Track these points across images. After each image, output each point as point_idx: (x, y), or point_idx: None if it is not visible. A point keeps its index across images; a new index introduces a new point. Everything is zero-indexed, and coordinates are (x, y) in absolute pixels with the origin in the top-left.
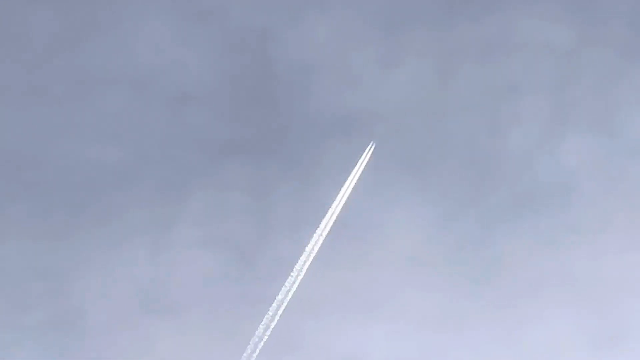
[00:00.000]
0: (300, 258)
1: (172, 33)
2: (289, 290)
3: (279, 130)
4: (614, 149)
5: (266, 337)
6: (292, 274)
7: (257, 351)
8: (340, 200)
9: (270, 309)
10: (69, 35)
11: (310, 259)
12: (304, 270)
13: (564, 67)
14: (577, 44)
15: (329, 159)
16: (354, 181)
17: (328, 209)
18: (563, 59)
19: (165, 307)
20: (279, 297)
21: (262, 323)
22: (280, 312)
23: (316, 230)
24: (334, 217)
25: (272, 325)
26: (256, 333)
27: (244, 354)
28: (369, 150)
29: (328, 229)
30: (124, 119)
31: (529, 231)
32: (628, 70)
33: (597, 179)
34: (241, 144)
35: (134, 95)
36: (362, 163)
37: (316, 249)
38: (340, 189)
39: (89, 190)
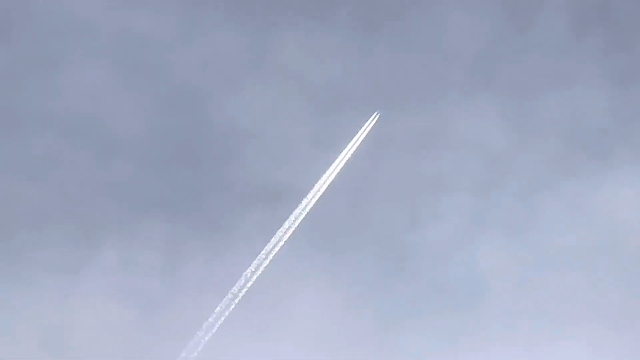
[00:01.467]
0: (209, 319)
1: (111, 83)
2: (192, 350)
3: (201, 192)
4: (529, 256)
5: None
6: (198, 333)
7: None
8: (254, 270)
9: None
10: (7, 73)
11: (218, 323)
12: (209, 334)
13: (492, 170)
14: (507, 149)
15: (247, 228)
16: (272, 252)
17: (241, 277)
18: (492, 161)
19: (66, 352)
20: (183, 354)
21: None
22: None
23: (227, 296)
24: (247, 285)
25: None
26: None
27: None
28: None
29: (239, 296)
30: (50, 161)
31: (434, 326)
32: (554, 181)
33: (508, 284)
34: (162, 200)
35: (64, 139)
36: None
37: (224, 315)
38: (255, 258)
39: (4, 225)
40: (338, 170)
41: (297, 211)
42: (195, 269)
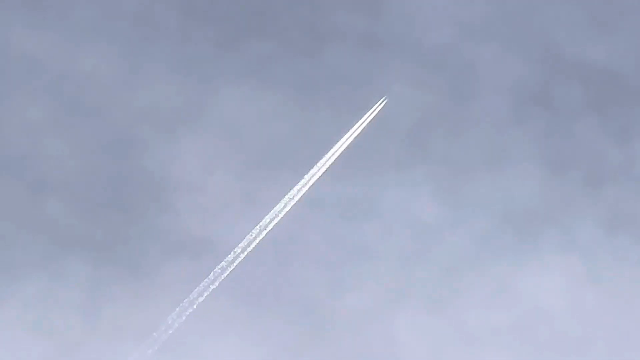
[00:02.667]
0: None
1: (49, 122)
2: None
3: (129, 237)
4: (448, 334)
5: None
6: None
7: None
8: (175, 318)
9: None
10: None
11: None
12: None
13: (419, 243)
14: (437, 224)
15: (172, 276)
16: (195, 303)
17: (161, 324)
18: (420, 234)
19: None
20: None
21: None
22: None
23: (146, 341)
24: (166, 333)
25: None
26: None
27: None
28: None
29: (157, 343)
30: None
31: None
32: (480, 260)
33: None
34: (89, 242)
35: None
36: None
37: None
38: (177, 307)
39: None
40: (267, 228)
41: (222, 264)
42: (116, 312)
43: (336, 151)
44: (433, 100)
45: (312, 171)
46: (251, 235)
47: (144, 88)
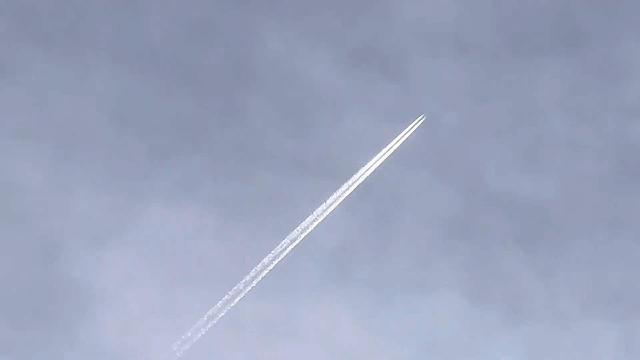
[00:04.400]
0: None
1: None
2: None
3: (48, 346)
4: None
5: None
6: None
7: None
8: None
9: None
10: None
11: None
12: None
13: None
14: (354, 348)
15: None
16: None
17: None
18: (338, 357)
19: None
20: None
21: None
22: None
23: None
24: None
25: None
26: None
27: None
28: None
29: None
30: None
31: None
32: None
33: None
34: (6, 348)
35: None
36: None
37: None
38: None
39: None
40: (188, 344)
41: None
42: None
43: (260, 270)
44: (358, 224)
45: (235, 288)
46: (172, 350)
47: (72, 197)
